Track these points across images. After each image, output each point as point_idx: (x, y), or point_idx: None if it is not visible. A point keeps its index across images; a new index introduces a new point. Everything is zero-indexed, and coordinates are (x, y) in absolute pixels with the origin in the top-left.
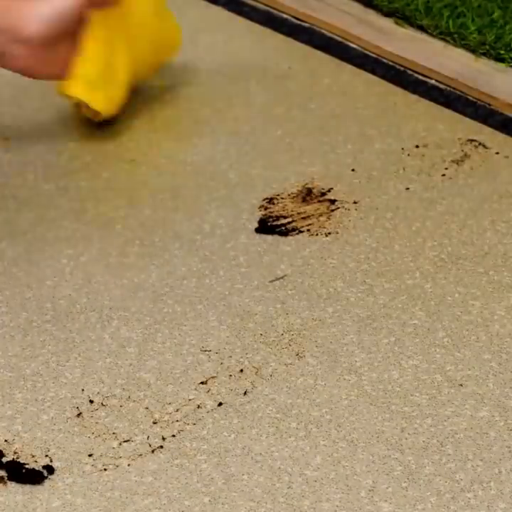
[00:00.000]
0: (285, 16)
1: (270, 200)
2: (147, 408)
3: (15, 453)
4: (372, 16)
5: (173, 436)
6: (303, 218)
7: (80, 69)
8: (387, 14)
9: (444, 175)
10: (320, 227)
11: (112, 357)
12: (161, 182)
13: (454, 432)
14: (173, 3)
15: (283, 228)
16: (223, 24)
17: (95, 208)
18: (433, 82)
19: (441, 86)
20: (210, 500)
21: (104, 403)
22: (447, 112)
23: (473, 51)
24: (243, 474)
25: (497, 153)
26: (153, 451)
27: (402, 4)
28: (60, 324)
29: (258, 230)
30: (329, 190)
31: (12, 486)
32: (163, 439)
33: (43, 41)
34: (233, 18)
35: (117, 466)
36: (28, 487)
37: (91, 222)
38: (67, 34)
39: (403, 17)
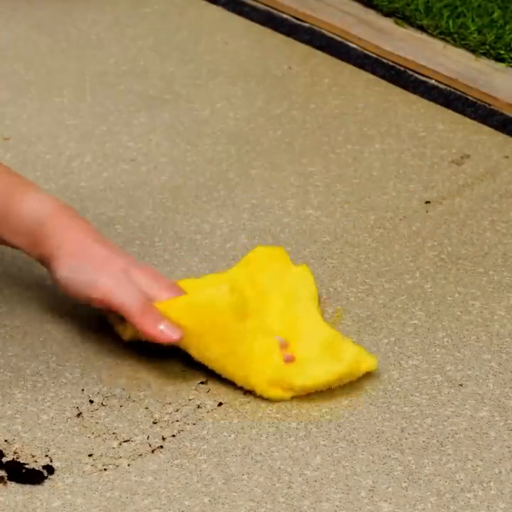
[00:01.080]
0: (285, 15)
1: None
2: (147, 408)
3: (15, 453)
4: (372, 15)
5: (173, 436)
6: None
7: None
8: (387, 14)
9: (444, 175)
10: None
11: (112, 357)
12: (160, 182)
13: (454, 432)
14: (173, 3)
15: None
16: (223, 24)
17: (95, 208)
18: (433, 82)
19: (441, 86)
20: (210, 501)
21: (104, 403)
22: (447, 112)
23: (473, 51)
24: (243, 474)
25: (497, 153)
26: (153, 451)
27: (402, 4)
28: (60, 324)
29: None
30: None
31: (12, 486)
32: (163, 439)
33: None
34: (233, 17)
35: (117, 466)
36: (28, 487)
37: (91, 222)
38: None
39: (403, 17)
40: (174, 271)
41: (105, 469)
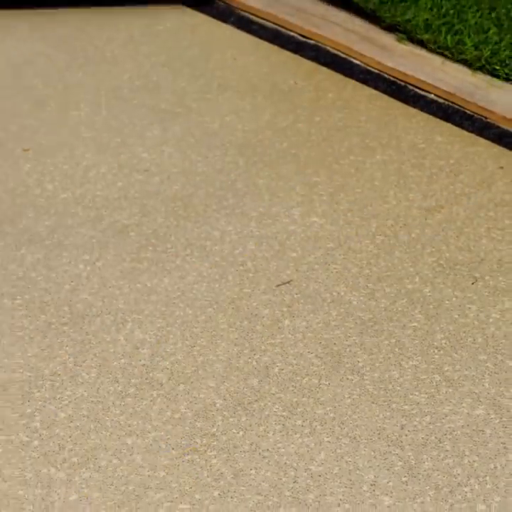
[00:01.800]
0: (291, 33)
1: None
2: (160, 407)
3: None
4: (374, 32)
5: (185, 433)
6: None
7: None
8: (389, 28)
9: (442, 185)
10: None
11: (126, 358)
12: (172, 191)
13: (452, 429)
14: (185, 22)
15: None
16: (232, 41)
17: (110, 216)
18: (432, 96)
19: (440, 100)
20: (219, 494)
21: (118, 402)
22: (445, 125)
23: (470, 66)
24: (251, 469)
25: (493, 164)
26: (165, 448)
27: (403, 19)
28: (77, 326)
29: None
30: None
31: (31, 480)
32: (175, 435)
33: None
34: (242, 35)
35: (131, 462)
36: (46, 481)
37: (106, 229)
38: None
39: (404, 31)
40: (185, 276)
41: (120, 465)
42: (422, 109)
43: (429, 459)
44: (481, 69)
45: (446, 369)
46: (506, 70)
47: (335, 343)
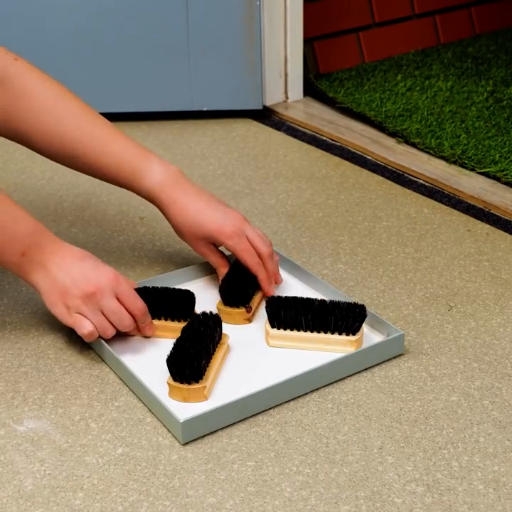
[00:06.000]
0: (324, 137)
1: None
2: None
3: None
4: (381, 137)
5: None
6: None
7: None
8: (392, 134)
9: (428, 242)
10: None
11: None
12: None
13: (435, 410)
14: (250, 129)
15: None
16: (284, 143)
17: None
18: (421, 181)
19: (426, 184)
20: (274, 455)
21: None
22: (430, 201)
23: (447, 160)
24: (297, 438)
25: (463, 227)
26: (237, 423)
27: (401, 128)
28: None
29: None
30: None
31: (145, 445)
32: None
33: None
34: (290, 139)
35: (215, 433)
36: (156, 446)
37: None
38: None
39: (402, 136)
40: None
41: (207, 435)
42: (414, 190)
43: (419, 430)
44: (454, 162)
45: (431, 369)
46: (472, 164)
47: None
